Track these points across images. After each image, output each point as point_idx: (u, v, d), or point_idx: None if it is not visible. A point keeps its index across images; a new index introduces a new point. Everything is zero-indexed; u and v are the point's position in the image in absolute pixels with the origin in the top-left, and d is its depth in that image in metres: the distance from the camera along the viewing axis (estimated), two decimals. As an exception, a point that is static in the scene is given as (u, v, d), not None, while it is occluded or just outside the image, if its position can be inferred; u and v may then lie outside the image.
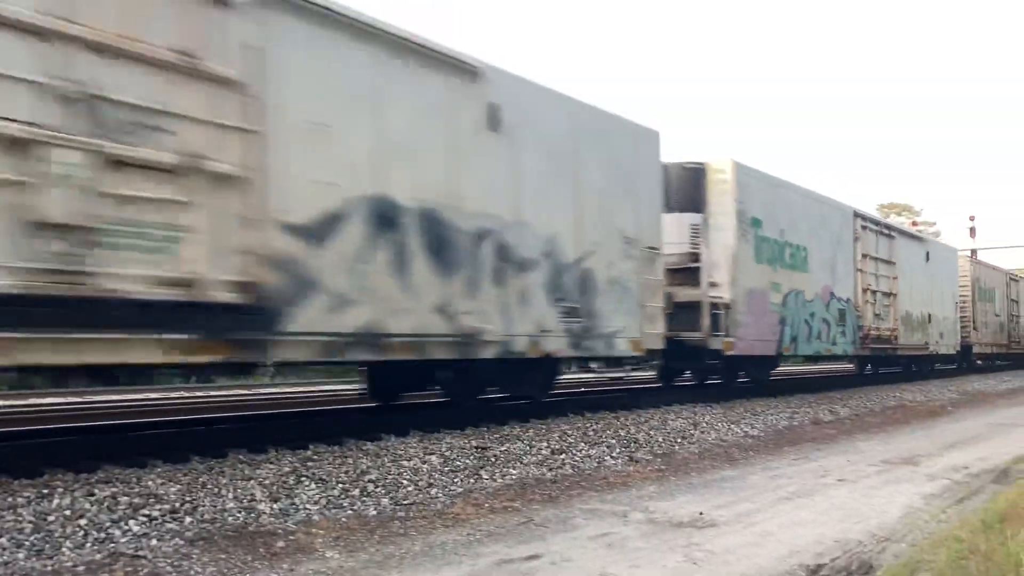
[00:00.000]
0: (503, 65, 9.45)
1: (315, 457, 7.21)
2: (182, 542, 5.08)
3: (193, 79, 6.31)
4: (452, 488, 6.95)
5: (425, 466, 7.36)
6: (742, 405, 13.47)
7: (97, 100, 5.73)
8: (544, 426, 9.80)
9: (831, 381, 20.24)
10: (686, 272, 13.44)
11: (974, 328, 26.77)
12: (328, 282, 7.36)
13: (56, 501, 5.36)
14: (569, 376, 18.90)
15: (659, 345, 12.13)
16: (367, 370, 10.68)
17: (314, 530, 5.55)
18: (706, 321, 13.41)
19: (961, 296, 25.67)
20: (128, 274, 5.91)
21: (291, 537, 5.37)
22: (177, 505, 5.60)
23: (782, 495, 7.06)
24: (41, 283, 5.44)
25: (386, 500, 6.42)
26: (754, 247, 14.35)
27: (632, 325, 11.47)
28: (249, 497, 5.97)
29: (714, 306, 13.48)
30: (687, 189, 13.35)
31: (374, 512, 6.12)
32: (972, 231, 51.13)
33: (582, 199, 10.55)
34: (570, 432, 9.50)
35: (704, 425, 11.13)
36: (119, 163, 5.83)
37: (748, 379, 16.02)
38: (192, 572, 4.64)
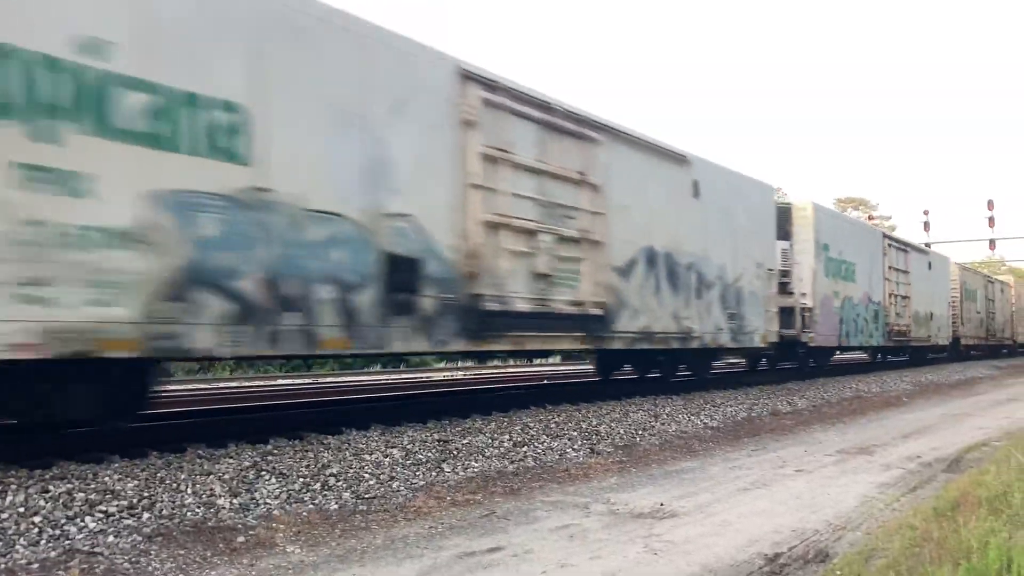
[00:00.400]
0: (693, 151, 13.97)
1: (275, 451, 7.16)
2: (140, 538, 5.02)
3: (583, 187, 10.99)
4: (414, 481, 6.95)
5: (387, 459, 7.34)
6: (702, 397, 13.61)
7: (553, 205, 10.39)
8: (506, 419, 9.81)
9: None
10: (781, 285, 17.75)
11: (961, 323, 31.83)
12: (629, 301, 11.86)
13: (9, 498, 5.26)
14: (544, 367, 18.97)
15: (776, 339, 16.67)
16: (596, 356, 15.66)
17: (275, 525, 5.51)
18: (798, 321, 18.02)
19: (952, 296, 30.83)
20: (561, 299, 10.44)
21: (251, 532, 5.33)
22: (135, 501, 5.53)
23: (741, 486, 7.15)
24: (535, 306, 10.01)
25: (347, 494, 6.39)
26: (824, 265, 19.06)
27: (761, 325, 15.83)
28: (208, 492, 5.91)
29: (802, 310, 18.14)
30: (778, 222, 17.48)
31: (335, 506, 6.10)
32: (926, 225, 52.04)
33: (735, 238, 14.92)
34: (532, 425, 9.53)
35: (665, 417, 11.22)
36: (560, 238, 10.46)
37: (815, 363, 20.62)
38: (150, 568, 4.59)
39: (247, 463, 6.66)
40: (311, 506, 6.03)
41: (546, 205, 10.19)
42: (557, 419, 10.08)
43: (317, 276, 7.34)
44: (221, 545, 5.05)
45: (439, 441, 8.18)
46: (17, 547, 4.69)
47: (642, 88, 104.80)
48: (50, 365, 5.79)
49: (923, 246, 31.63)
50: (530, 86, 10.42)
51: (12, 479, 5.65)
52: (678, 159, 13.43)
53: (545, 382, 16.46)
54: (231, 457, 6.83)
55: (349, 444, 7.68)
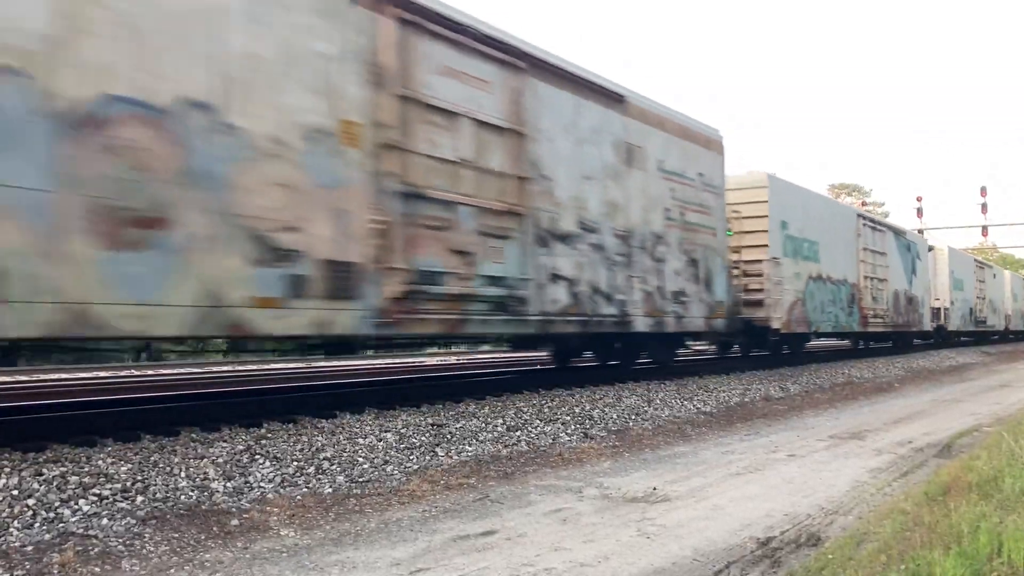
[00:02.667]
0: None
1: (269, 435, 7.16)
2: (134, 521, 5.02)
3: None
4: (408, 465, 6.96)
5: (381, 443, 7.35)
6: (695, 382, 13.65)
7: (477, 168, 9.15)
8: (500, 403, 9.83)
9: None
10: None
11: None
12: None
13: (3, 481, 5.24)
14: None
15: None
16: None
17: (269, 508, 5.52)
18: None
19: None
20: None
21: (245, 515, 5.34)
22: (128, 484, 5.53)
23: (734, 470, 7.18)
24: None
25: (341, 478, 6.40)
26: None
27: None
28: (202, 476, 5.92)
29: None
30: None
31: (329, 490, 6.11)
32: (919, 211, 52.17)
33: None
34: (525, 409, 9.54)
35: (658, 402, 11.25)
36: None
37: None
38: (144, 551, 4.59)
39: (241, 447, 6.67)
40: (305, 489, 6.04)
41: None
42: (551, 403, 10.09)
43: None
44: (215, 528, 5.06)
45: (433, 425, 8.20)
46: (11, 530, 4.69)
47: (636, 71, 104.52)
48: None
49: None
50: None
51: (5, 462, 5.64)
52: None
53: (538, 367, 16.49)
54: (225, 441, 6.83)
55: (343, 428, 7.68)
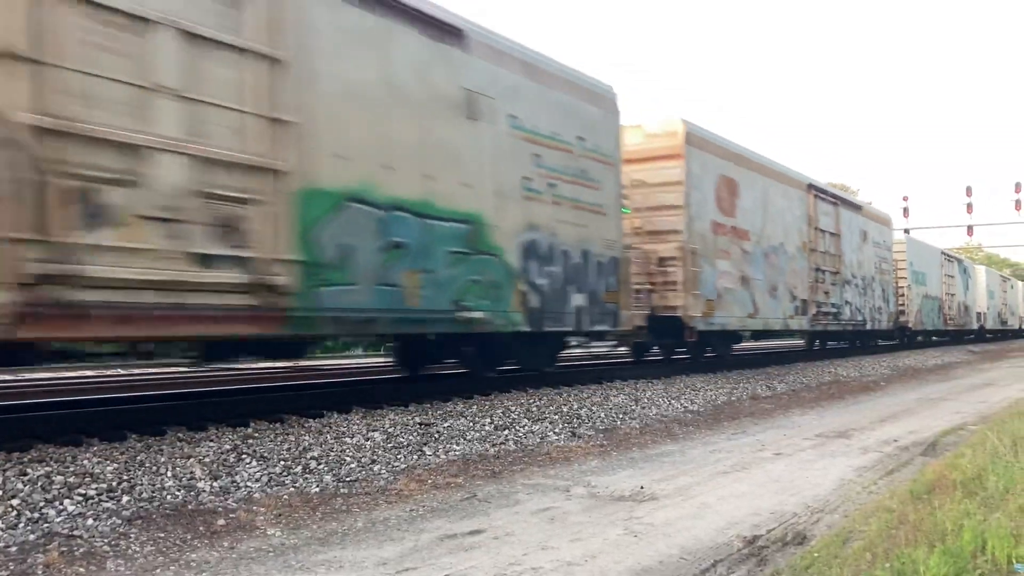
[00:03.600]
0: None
1: (256, 434, 7.14)
2: (119, 521, 4.99)
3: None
4: (395, 464, 6.95)
5: (368, 443, 7.33)
6: (682, 381, 13.68)
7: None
8: (488, 402, 9.82)
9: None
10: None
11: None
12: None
13: (-13, 481, 5.22)
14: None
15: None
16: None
17: (255, 508, 5.50)
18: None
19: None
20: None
21: (232, 515, 5.32)
22: (114, 484, 5.50)
23: (721, 469, 7.20)
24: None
25: (328, 477, 6.39)
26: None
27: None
28: (188, 475, 5.89)
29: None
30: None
31: (316, 489, 6.09)
32: (905, 211, 52.44)
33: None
34: (513, 408, 9.55)
35: (645, 401, 11.27)
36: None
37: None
38: (130, 551, 4.57)
39: (227, 446, 6.64)
40: (292, 489, 6.03)
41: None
42: (538, 402, 10.10)
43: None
44: (201, 528, 5.04)
45: (420, 424, 8.19)
46: (-5, 530, 4.66)
47: (623, 68, 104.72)
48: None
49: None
50: None
51: (-11, 462, 5.61)
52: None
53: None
54: (211, 440, 6.80)
55: (330, 427, 7.67)
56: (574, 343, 13.90)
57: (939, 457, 7.54)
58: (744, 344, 20.40)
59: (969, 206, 53.76)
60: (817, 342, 24.53)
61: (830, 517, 5.46)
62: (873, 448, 8.33)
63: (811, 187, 19.51)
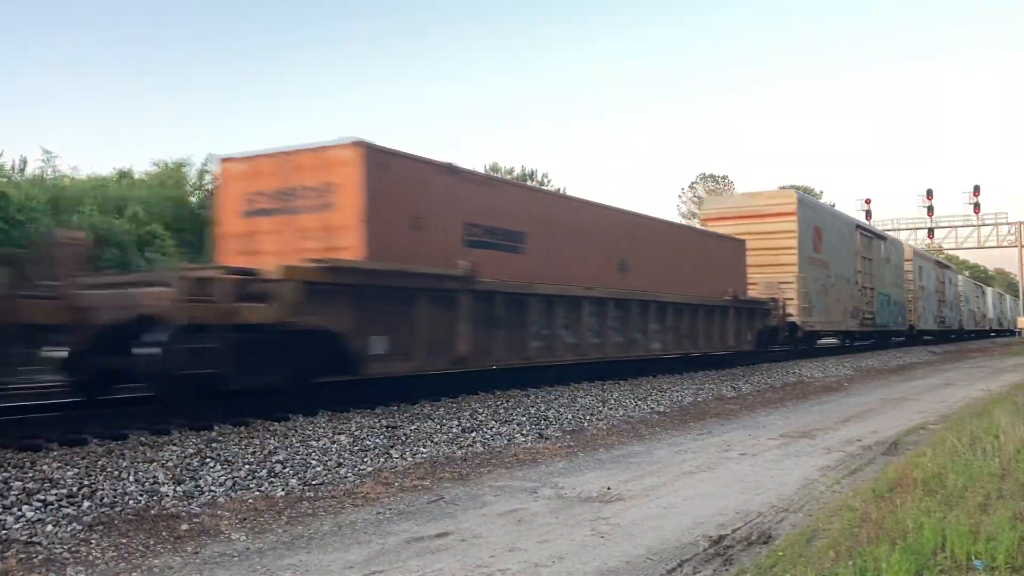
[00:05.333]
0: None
1: (220, 438, 7.06)
2: (80, 527, 4.91)
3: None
4: (362, 468, 6.91)
5: (334, 446, 7.29)
6: (649, 382, 13.74)
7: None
8: (455, 404, 9.80)
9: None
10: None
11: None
12: None
13: (-58, 487, 5.11)
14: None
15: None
16: None
17: (220, 512, 5.44)
18: None
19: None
20: None
21: (196, 520, 5.25)
22: (74, 489, 5.41)
23: (686, 469, 7.25)
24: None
25: (294, 480, 6.33)
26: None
27: None
28: (151, 480, 5.81)
29: None
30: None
31: (282, 493, 6.04)
32: (868, 214, 53.18)
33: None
34: (481, 410, 9.54)
35: (612, 402, 11.31)
36: None
37: None
38: (91, 557, 4.49)
39: (191, 450, 6.57)
40: (257, 493, 5.97)
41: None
42: (506, 404, 10.10)
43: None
44: (164, 533, 4.97)
45: (387, 427, 8.15)
46: (-49, 537, 4.56)
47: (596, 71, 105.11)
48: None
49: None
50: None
51: (-55, 468, 5.50)
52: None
53: (493, 367, 16.42)
54: (174, 444, 6.72)
55: (296, 430, 7.61)
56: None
57: (901, 456, 7.65)
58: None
59: (930, 209, 54.57)
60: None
61: (794, 516, 5.52)
62: (836, 448, 8.42)
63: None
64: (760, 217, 21.64)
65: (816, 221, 23.04)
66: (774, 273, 20.82)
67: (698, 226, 23.53)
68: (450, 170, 10.44)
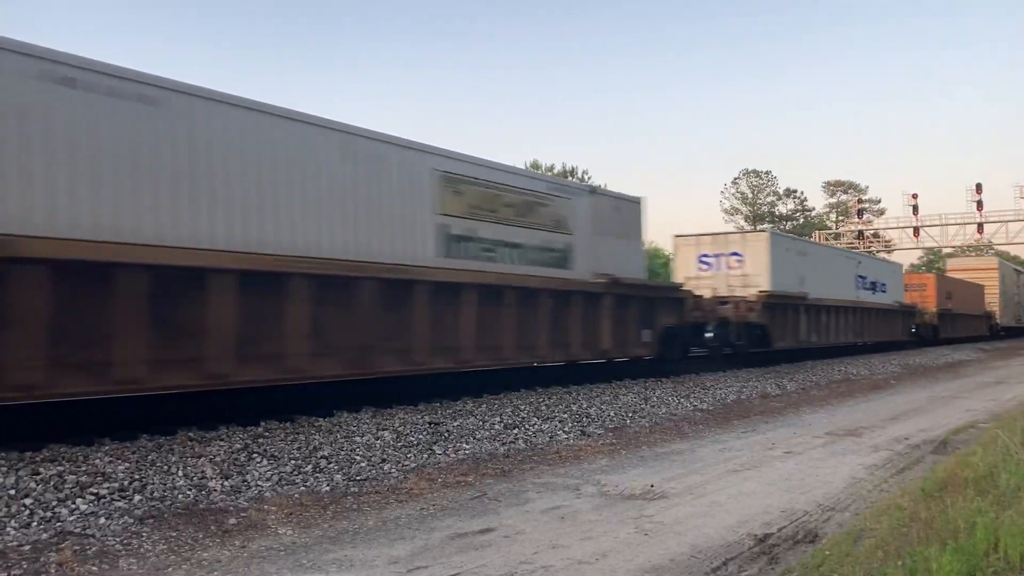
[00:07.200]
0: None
1: (266, 434, 7.16)
2: (131, 520, 5.02)
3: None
4: (405, 463, 6.96)
5: (378, 442, 7.35)
6: (692, 380, 13.65)
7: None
8: (497, 401, 9.83)
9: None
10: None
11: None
12: None
13: (0, 480, 5.25)
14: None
15: None
16: None
17: (266, 507, 5.52)
18: None
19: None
20: None
21: (243, 514, 5.33)
22: (126, 483, 5.53)
23: (731, 467, 7.19)
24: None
25: (339, 476, 6.40)
26: None
27: None
28: (199, 475, 5.92)
29: None
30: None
31: (327, 488, 6.10)
32: (915, 209, 52.21)
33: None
34: (523, 407, 9.55)
35: (655, 400, 11.26)
36: None
37: None
38: (142, 550, 4.59)
39: (238, 445, 6.67)
40: (303, 488, 6.04)
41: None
42: (548, 401, 10.10)
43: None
44: (212, 527, 5.06)
45: (430, 423, 8.19)
46: (8, 529, 4.69)
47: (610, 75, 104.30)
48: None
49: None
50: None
51: (2, 461, 5.64)
52: None
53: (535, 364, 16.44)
54: (222, 439, 6.83)
55: (340, 426, 7.69)
56: None
57: (950, 455, 7.51)
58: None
59: (979, 204, 53.49)
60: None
61: (841, 515, 5.45)
62: (884, 446, 8.30)
63: (1014, 269, 46.25)
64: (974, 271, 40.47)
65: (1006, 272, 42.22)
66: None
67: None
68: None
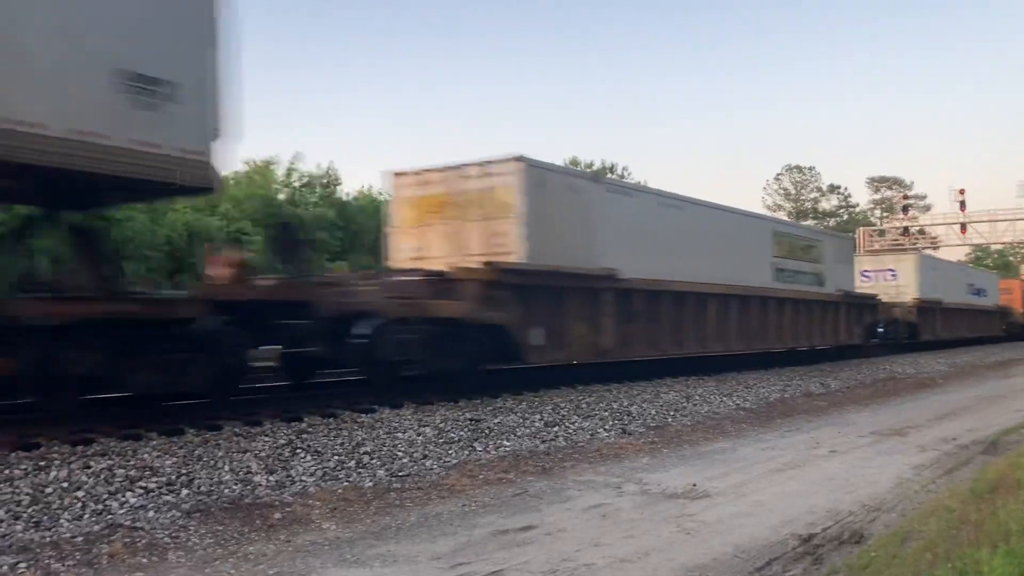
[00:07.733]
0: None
1: (310, 429, 7.23)
2: (179, 514, 5.10)
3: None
4: (447, 460, 6.99)
5: (420, 438, 7.39)
6: (734, 378, 13.54)
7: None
8: (537, 399, 9.83)
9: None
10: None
11: None
12: None
13: (53, 473, 5.37)
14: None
15: None
16: None
17: (310, 502, 5.58)
18: None
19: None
20: None
21: (288, 509, 5.40)
22: (173, 478, 5.63)
23: (774, 466, 7.12)
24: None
25: (382, 472, 6.45)
26: None
27: None
28: (245, 469, 6.00)
29: None
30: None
31: (370, 483, 6.16)
32: (962, 204, 51.22)
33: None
34: (563, 405, 9.54)
35: (697, 398, 11.19)
36: None
37: None
38: (190, 543, 4.67)
39: (282, 441, 6.75)
40: (346, 483, 6.10)
41: None
42: (588, 399, 10.08)
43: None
44: (258, 521, 5.13)
45: (471, 420, 8.23)
46: (61, 521, 4.79)
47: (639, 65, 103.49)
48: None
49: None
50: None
51: (55, 455, 5.77)
52: None
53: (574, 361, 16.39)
54: (267, 435, 6.91)
55: (382, 422, 7.74)
56: None
57: (1000, 456, 7.37)
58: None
59: (1029, 199, 52.17)
60: None
61: (887, 516, 5.37)
62: (931, 446, 8.17)
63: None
64: None
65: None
66: None
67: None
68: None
